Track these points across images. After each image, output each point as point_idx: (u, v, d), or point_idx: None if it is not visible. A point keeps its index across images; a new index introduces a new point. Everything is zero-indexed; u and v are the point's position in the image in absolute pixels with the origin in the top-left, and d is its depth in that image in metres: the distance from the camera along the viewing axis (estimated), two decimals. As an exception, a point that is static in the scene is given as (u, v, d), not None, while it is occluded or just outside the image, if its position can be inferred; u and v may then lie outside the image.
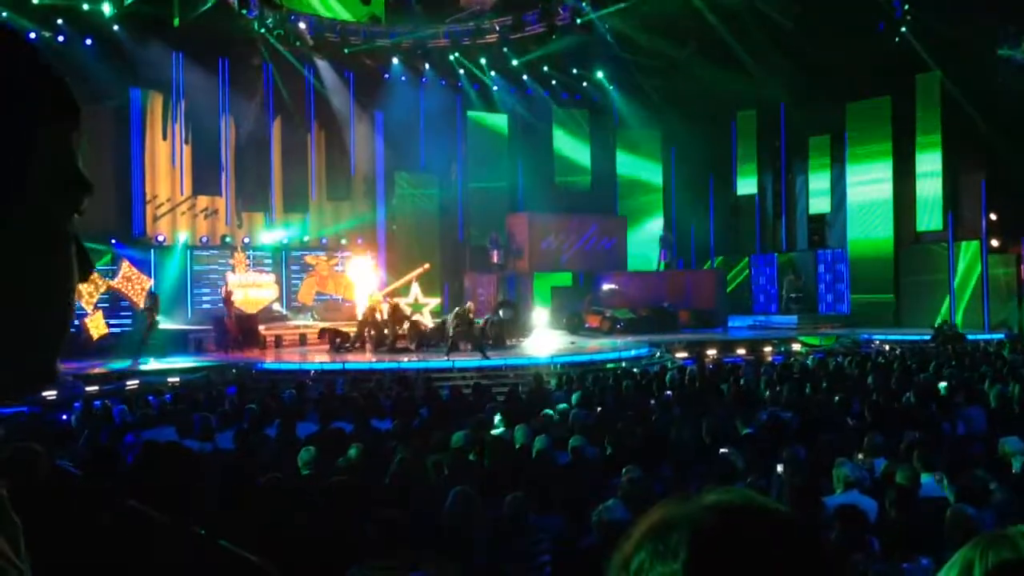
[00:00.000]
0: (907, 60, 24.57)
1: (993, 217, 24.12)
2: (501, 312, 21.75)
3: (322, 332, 22.04)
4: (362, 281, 24.12)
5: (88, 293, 21.53)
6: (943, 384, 11.07)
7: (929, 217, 25.73)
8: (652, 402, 10.65)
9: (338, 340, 20.88)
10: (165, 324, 22.81)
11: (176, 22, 21.65)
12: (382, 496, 5.68)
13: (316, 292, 26.65)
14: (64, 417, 11.67)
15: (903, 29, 24.31)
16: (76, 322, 21.49)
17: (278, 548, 4.41)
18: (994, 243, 24.11)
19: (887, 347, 20.23)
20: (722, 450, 7.30)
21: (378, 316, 21.07)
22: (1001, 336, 20.97)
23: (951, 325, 20.54)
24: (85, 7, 21.69)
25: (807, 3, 23.29)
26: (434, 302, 23.23)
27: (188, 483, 5.27)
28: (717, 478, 6.34)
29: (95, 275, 21.74)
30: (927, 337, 20.95)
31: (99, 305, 21.75)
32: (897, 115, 26.05)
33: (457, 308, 20.06)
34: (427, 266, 24.42)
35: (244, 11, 22.72)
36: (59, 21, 21.95)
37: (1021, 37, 22.50)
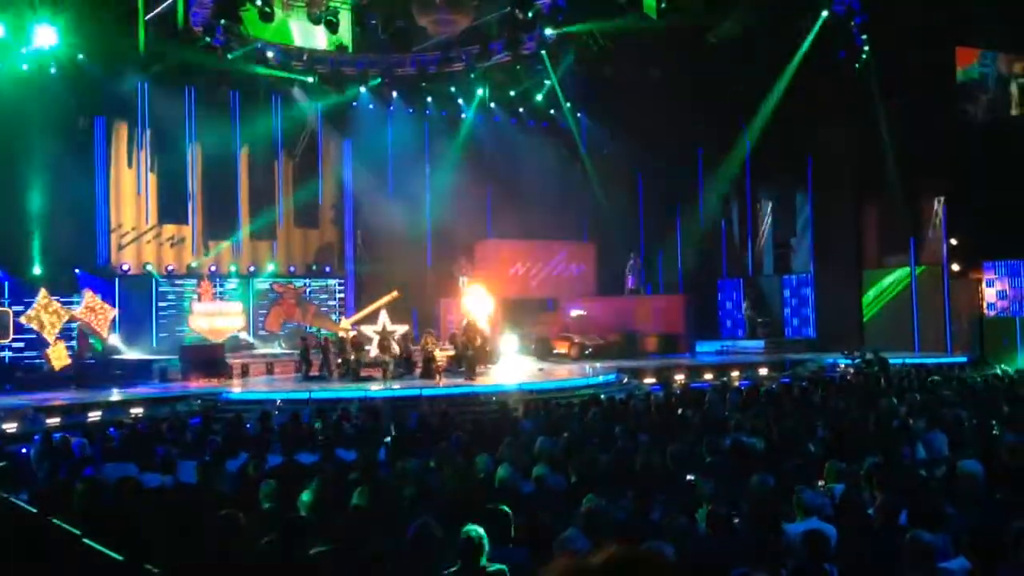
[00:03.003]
0: (868, 87, 24.96)
1: (954, 242, 24.49)
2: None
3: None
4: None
5: (50, 324, 21.27)
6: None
7: (892, 242, 26.15)
8: (617, 429, 10.65)
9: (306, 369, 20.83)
10: (130, 354, 22.61)
11: (141, 46, 21.46)
12: (343, 531, 5.63)
13: (284, 320, 26.50)
14: (24, 450, 11.51)
15: (863, 56, 24.71)
16: (38, 353, 21.24)
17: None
18: (955, 267, 24.47)
19: (852, 371, 20.39)
20: (689, 476, 7.32)
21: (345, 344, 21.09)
22: (963, 359, 21.26)
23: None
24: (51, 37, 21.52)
25: (768, 32, 23.62)
26: (403, 329, 23.15)
27: (141, 520, 5.21)
28: (680, 506, 6.37)
29: (57, 305, 21.51)
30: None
31: (60, 336, 21.46)
32: (860, 142, 26.43)
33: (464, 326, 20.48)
34: (396, 294, 24.38)
35: (209, 39, 22.66)
36: (23, 50, 21.77)
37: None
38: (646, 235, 30.95)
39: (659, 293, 30.08)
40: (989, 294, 23.49)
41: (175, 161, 25.19)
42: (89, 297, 22.27)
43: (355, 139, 28.40)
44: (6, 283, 21.87)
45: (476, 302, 24.07)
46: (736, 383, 19.17)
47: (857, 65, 24.83)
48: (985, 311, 23.52)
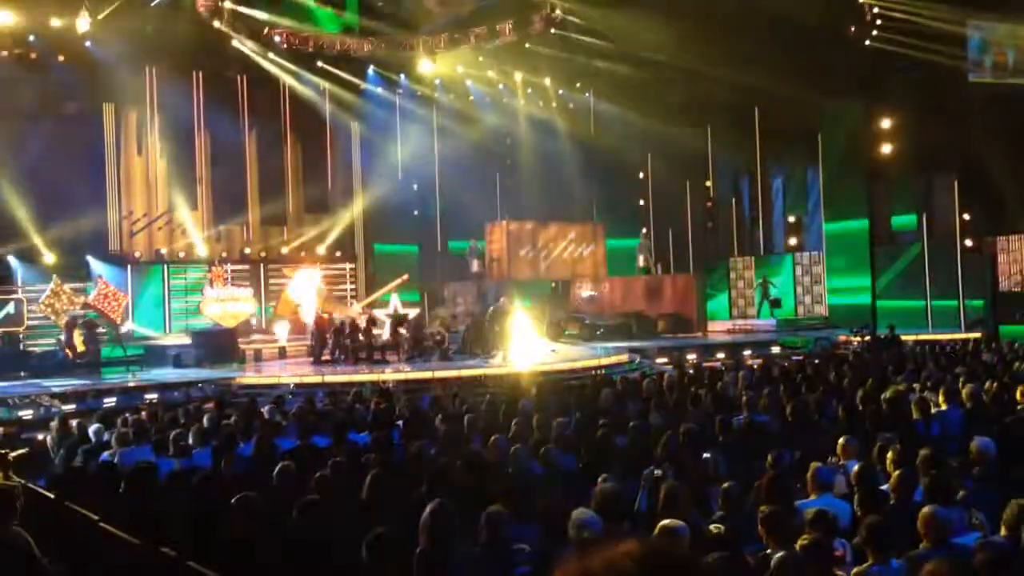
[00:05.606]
0: (879, 62, 24.79)
1: (966, 216, 24.36)
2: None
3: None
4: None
5: (65, 312, 21.35)
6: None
7: (903, 217, 26.06)
8: (631, 409, 10.65)
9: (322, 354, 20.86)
10: (144, 340, 22.71)
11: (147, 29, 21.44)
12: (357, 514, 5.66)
13: (295, 305, 26.50)
14: (41, 436, 11.61)
15: (874, 32, 24.52)
16: (53, 340, 21.35)
17: (249, 568, 4.40)
18: (968, 242, 24.35)
19: (859, 347, 20.33)
20: (705, 455, 7.32)
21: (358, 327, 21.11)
22: (976, 335, 21.17)
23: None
24: (55, 24, 21.55)
25: (779, 6, 23.41)
26: (414, 312, 23.16)
27: (158, 504, 5.24)
28: (694, 484, 6.37)
29: (71, 293, 21.60)
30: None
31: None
32: (870, 116, 26.28)
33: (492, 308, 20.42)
34: (405, 277, 24.36)
35: (216, 22, 22.62)
36: (31, 38, 21.81)
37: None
38: (656, 215, 30.85)
39: (670, 273, 30.02)
40: (1002, 268, 23.38)
41: (184, 147, 25.19)
42: (102, 284, 22.36)
43: (363, 123, 28.30)
44: (19, 271, 21.96)
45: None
46: (748, 361, 19.14)
47: (868, 41, 24.64)
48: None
